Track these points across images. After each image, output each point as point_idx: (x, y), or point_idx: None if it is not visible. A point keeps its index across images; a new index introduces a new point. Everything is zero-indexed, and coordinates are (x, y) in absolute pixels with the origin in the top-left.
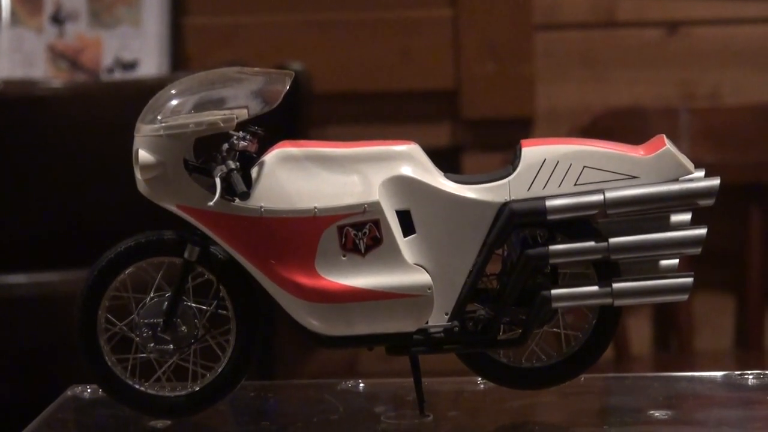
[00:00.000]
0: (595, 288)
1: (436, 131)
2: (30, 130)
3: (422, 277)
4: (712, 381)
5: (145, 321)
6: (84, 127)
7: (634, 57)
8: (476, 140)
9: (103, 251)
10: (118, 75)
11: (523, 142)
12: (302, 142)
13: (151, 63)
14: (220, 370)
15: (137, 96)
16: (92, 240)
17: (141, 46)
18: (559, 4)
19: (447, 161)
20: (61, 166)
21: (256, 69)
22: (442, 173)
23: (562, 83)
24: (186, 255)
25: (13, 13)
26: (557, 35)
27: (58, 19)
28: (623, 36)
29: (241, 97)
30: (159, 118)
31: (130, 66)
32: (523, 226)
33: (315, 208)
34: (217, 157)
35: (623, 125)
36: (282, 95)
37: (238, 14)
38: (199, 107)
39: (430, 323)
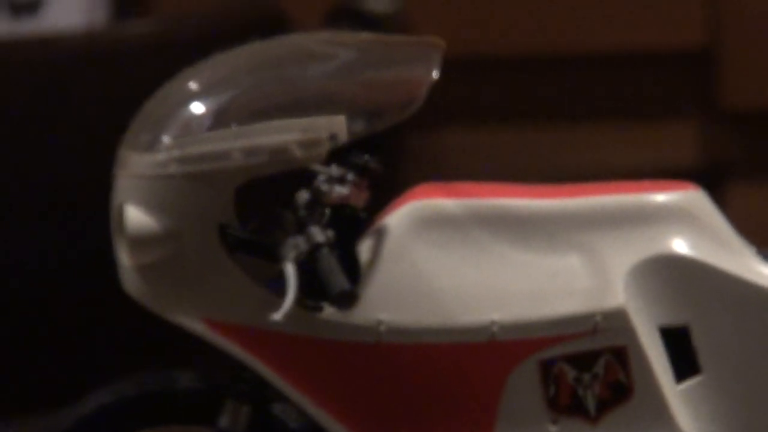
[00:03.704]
0: None
1: (672, 134)
2: None
3: None
4: None
5: None
6: None
7: None
8: (752, 151)
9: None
10: (12, 26)
11: None
12: (462, 186)
13: (69, 3)
14: None
15: (53, 69)
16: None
17: None
18: None
19: None
20: None
21: (367, 36)
22: (753, 248)
23: None
24: (223, 422)
25: None
26: None
27: None
28: None
29: (335, 95)
30: (165, 140)
31: (29, 8)
32: None
33: (493, 323)
34: (287, 218)
35: None
36: (425, 89)
37: None
38: (251, 117)
39: None
